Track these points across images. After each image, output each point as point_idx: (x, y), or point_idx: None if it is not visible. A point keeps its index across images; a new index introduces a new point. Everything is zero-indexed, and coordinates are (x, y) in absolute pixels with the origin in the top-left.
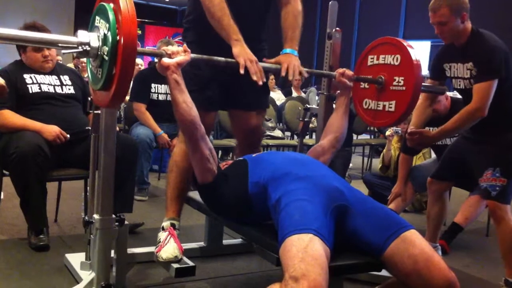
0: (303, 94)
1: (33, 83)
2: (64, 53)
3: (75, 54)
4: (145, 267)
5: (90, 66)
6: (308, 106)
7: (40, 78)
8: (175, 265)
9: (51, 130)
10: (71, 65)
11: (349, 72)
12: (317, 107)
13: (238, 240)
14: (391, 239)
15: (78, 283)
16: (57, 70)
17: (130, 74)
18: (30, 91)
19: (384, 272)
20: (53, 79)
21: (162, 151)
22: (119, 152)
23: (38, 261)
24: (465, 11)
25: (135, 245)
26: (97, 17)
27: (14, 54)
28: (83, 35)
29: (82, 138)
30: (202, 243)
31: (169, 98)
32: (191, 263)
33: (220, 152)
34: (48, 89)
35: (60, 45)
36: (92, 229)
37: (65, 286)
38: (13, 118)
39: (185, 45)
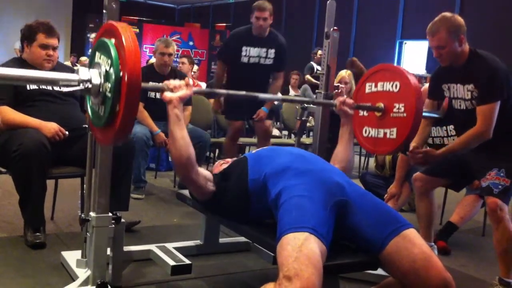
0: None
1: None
2: (64, 89)
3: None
4: (141, 265)
5: (91, 104)
6: (306, 105)
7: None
8: (171, 263)
9: (50, 127)
10: (68, 63)
11: (350, 100)
12: (314, 106)
13: (234, 239)
14: (391, 236)
15: (74, 281)
16: (56, 67)
17: (135, 111)
18: (28, 88)
19: (380, 271)
20: None
21: (159, 149)
22: (115, 150)
23: (34, 259)
24: (463, 34)
25: (132, 243)
26: (97, 53)
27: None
28: (83, 72)
29: (79, 136)
30: (198, 241)
31: None
32: (187, 261)
33: (217, 150)
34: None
35: (61, 83)
36: (89, 227)
37: (61, 284)
38: (12, 114)
39: (187, 78)
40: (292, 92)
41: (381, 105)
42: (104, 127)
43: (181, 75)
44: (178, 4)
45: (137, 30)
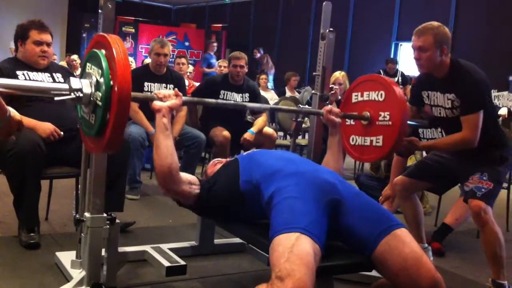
0: (297, 94)
1: (25, 80)
2: (56, 100)
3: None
4: (136, 266)
5: (82, 113)
6: (301, 106)
7: (33, 75)
8: (166, 264)
9: (46, 127)
10: (63, 63)
11: (336, 110)
12: (310, 107)
13: (229, 240)
14: (382, 235)
15: (68, 281)
16: (50, 67)
17: (125, 120)
18: None
19: (374, 273)
20: (45, 76)
21: None
22: None
23: (28, 259)
24: (446, 45)
25: (126, 244)
26: (88, 64)
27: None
28: (75, 82)
29: (74, 136)
30: (193, 242)
31: None
32: (182, 262)
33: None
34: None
35: (52, 92)
36: (83, 227)
37: (56, 284)
38: None
39: (176, 89)
40: (288, 93)
41: (367, 113)
42: (95, 136)
43: (176, 76)
44: (174, 5)
45: (133, 30)
